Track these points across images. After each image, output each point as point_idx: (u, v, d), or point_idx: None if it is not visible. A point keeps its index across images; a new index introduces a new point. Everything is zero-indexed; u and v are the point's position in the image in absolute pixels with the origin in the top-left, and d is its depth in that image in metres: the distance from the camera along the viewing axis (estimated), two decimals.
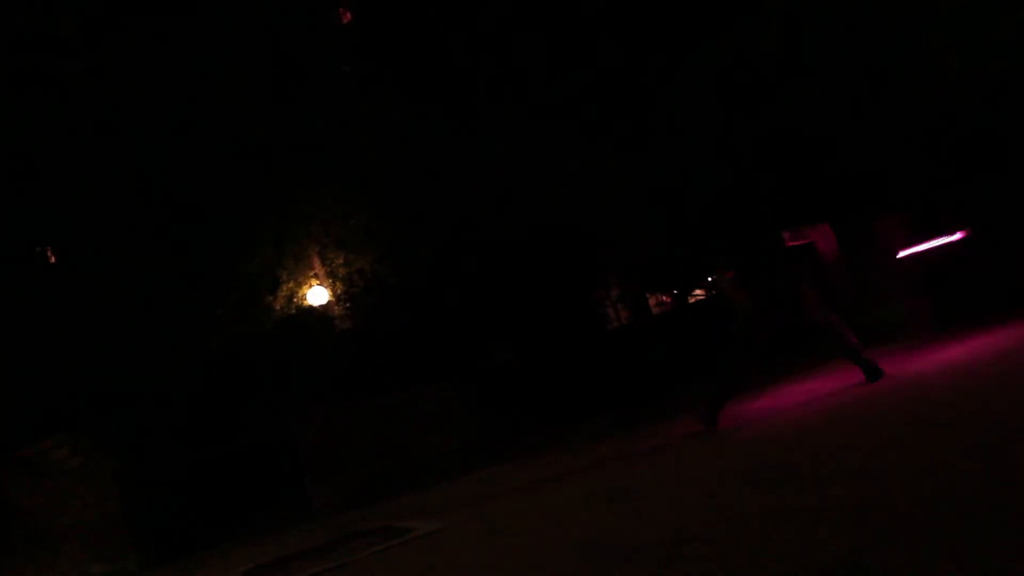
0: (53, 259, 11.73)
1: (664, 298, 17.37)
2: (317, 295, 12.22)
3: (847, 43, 8.77)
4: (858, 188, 9.59)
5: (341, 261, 12.21)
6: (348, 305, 12.49)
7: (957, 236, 8.51)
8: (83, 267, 10.82)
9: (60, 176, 10.21)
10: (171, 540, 8.54)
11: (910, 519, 2.64)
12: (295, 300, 12.16)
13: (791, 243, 6.80)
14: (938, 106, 8.66)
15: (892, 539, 2.50)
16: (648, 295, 15.13)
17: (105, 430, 8.31)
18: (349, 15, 12.64)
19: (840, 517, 2.89)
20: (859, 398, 5.51)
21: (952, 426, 3.88)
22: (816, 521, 2.93)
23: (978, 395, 4.49)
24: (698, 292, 16.53)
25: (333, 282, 12.33)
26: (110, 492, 8.04)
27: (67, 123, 10.05)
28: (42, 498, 8.05)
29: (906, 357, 6.93)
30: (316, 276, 12.27)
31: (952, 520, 2.51)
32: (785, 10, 9.03)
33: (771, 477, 3.95)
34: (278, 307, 11.93)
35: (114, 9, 10.23)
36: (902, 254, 8.50)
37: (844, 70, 9.02)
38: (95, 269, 10.58)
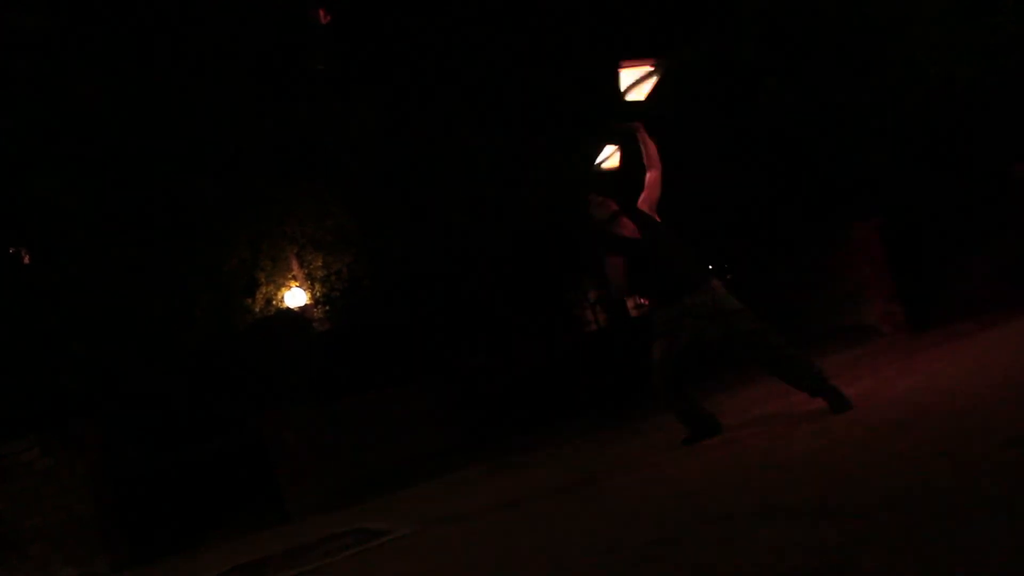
0: (27, 259, 11.60)
1: (642, 300, 17.45)
2: (295, 297, 12.18)
3: (824, 49, 8.86)
4: (833, 192, 9.68)
5: (319, 263, 12.18)
6: (327, 308, 12.47)
7: None
8: (58, 267, 10.71)
9: (34, 175, 10.10)
10: (144, 542, 8.46)
11: (883, 521, 2.67)
12: (273, 302, 12.12)
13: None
14: (912, 112, 8.77)
15: (865, 541, 2.53)
16: (626, 297, 15.20)
17: (78, 431, 8.21)
18: (328, 16, 12.61)
19: (814, 519, 2.92)
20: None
21: (919, 427, 3.93)
22: (790, 523, 2.95)
23: (942, 396, 4.55)
24: None
25: (312, 284, 12.30)
26: (82, 493, 7.95)
27: (41, 122, 9.95)
28: (11, 499, 7.95)
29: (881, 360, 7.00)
30: (295, 278, 12.23)
31: (924, 521, 2.54)
32: (763, 12, 9.11)
33: (747, 479, 3.98)
34: (256, 309, 11.88)
35: (88, 6, 10.14)
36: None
37: (821, 75, 9.11)
38: (70, 269, 10.47)
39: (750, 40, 9.11)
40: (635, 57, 6.43)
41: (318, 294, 12.44)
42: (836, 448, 4.04)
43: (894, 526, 2.57)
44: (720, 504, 3.58)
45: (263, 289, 11.91)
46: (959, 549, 2.22)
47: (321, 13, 12.90)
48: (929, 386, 5.05)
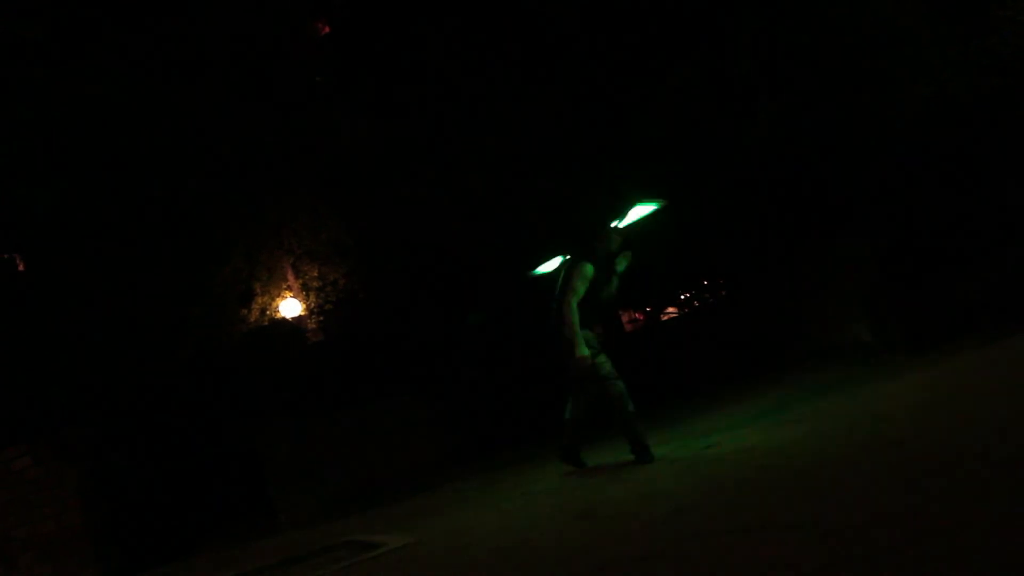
0: (22, 266, 11.58)
1: (637, 315, 17.48)
2: (290, 307, 12.18)
3: (817, 68, 8.91)
4: (828, 210, 9.71)
5: (315, 274, 12.19)
6: (321, 318, 12.46)
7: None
8: (52, 275, 10.69)
9: (30, 182, 10.10)
10: (134, 553, 8.41)
11: (873, 538, 2.68)
12: (268, 312, 12.10)
13: None
14: (905, 131, 8.83)
15: (854, 558, 2.53)
16: (620, 312, 15.21)
17: (69, 440, 8.18)
18: (327, 28, 12.65)
19: (803, 535, 2.92)
20: (822, 416, 5.57)
21: (913, 445, 3.94)
22: (779, 540, 2.96)
23: (935, 412, 4.57)
24: (671, 310, 16.62)
25: (307, 295, 12.30)
26: (72, 503, 7.91)
27: (36, 129, 9.95)
28: (1, 508, 7.91)
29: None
30: (289, 288, 12.23)
31: (914, 539, 2.55)
32: (759, 30, 9.16)
33: (734, 496, 3.99)
34: (252, 319, 11.87)
35: (87, 16, 10.16)
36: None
37: (815, 93, 9.16)
38: (64, 277, 10.46)
39: (746, 58, 9.17)
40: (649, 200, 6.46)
41: (312, 305, 12.43)
42: (828, 465, 4.05)
43: (884, 544, 2.58)
44: (712, 520, 3.58)
45: (258, 299, 11.91)
46: (949, 567, 2.22)
47: (320, 24, 12.94)
48: (922, 404, 5.07)
